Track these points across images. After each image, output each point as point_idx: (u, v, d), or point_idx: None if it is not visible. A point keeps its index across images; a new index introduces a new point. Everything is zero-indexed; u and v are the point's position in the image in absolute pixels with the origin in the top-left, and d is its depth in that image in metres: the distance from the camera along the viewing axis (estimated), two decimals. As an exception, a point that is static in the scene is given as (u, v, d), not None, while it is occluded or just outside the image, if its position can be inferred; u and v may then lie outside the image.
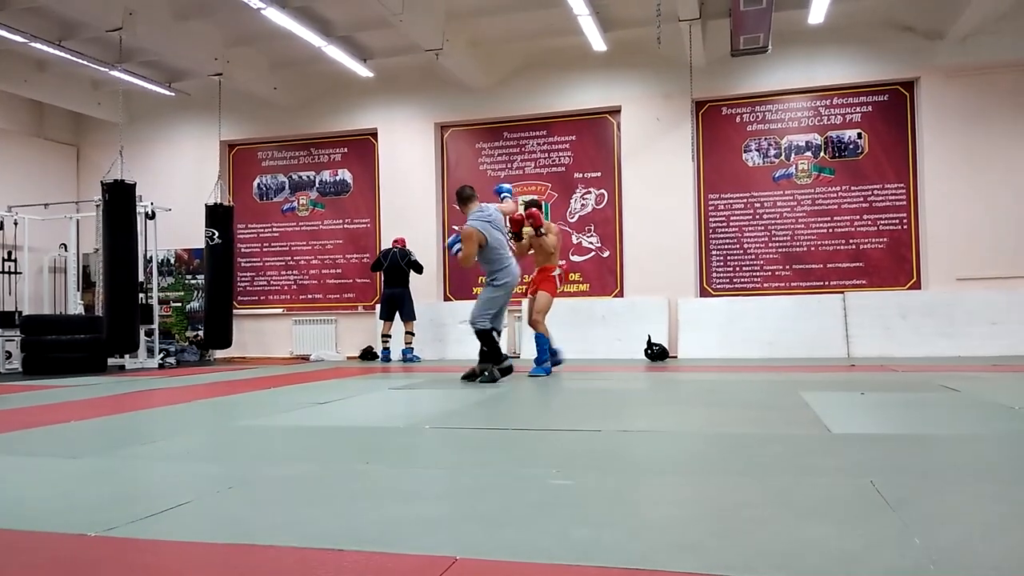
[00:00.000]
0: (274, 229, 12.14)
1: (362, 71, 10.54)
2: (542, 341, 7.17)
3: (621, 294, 10.60)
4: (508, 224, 7.22)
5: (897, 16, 9.45)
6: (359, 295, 11.56)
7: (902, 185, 9.70)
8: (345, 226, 11.83)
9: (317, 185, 11.98)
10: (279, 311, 11.95)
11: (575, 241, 10.84)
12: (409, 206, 11.30)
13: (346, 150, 11.87)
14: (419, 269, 10.34)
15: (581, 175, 10.87)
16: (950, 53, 9.31)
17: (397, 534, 1.89)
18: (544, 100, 10.83)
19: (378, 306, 10.86)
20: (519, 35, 10.14)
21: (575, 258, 10.81)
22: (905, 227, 9.68)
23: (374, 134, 11.63)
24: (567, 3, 8.40)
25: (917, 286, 9.57)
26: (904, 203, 9.69)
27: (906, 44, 9.52)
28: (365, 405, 4.97)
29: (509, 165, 11.15)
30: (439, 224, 11.33)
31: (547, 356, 7.15)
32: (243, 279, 12.13)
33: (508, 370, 6.59)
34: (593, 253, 10.81)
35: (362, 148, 11.78)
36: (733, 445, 3.20)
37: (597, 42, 9.57)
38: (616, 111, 10.68)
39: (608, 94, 10.61)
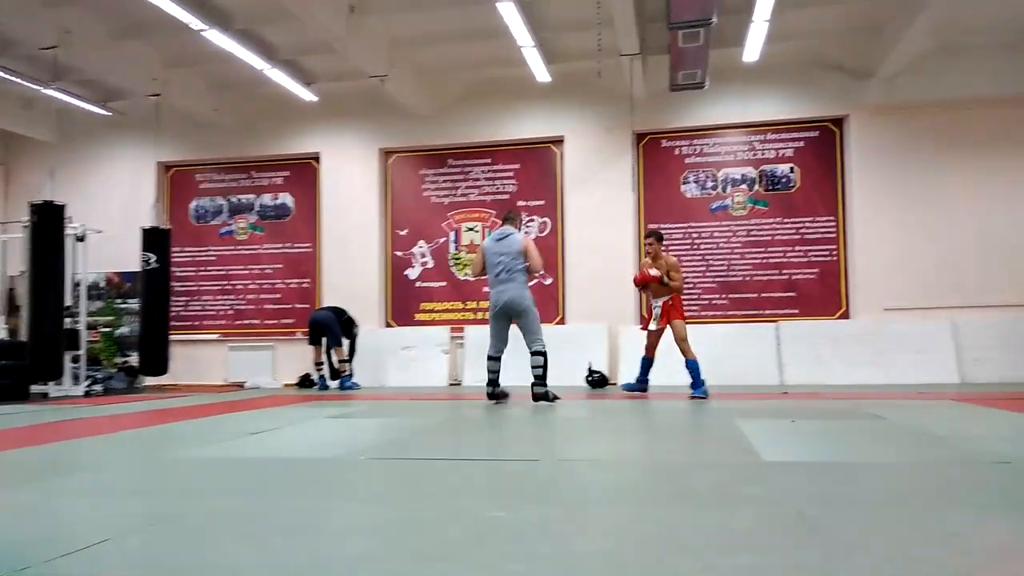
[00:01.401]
0: (211, 252, 11.88)
1: (305, 95, 10.48)
2: (693, 366, 7.19)
3: (563, 321, 10.68)
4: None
5: (828, 56, 9.87)
6: (298, 321, 11.35)
7: (832, 218, 10.07)
8: (285, 251, 11.65)
9: (257, 208, 11.80)
10: (214, 337, 11.67)
11: (518, 268, 10.88)
12: (352, 231, 11.21)
13: (288, 174, 11.73)
14: (350, 331, 10.11)
15: (525, 203, 10.97)
16: (877, 92, 9.75)
17: (327, 572, 1.85)
18: (489, 128, 10.93)
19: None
20: (464, 64, 10.24)
21: (517, 285, 10.84)
22: (835, 258, 10.03)
23: (317, 158, 11.54)
24: (512, 35, 8.54)
25: (846, 316, 9.90)
26: (834, 235, 10.06)
27: (836, 83, 9.95)
28: (300, 435, 4.86)
29: (453, 192, 11.19)
30: (382, 250, 11.26)
31: (700, 379, 7.17)
32: (177, 303, 11.81)
33: (492, 396, 6.73)
34: (536, 280, 10.87)
35: (304, 172, 11.66)
36: (668, 473, 3.24)
37: (541, 73, 9.73)
38: (559, 141, 10.84)
39: (552, 124, 10.77)
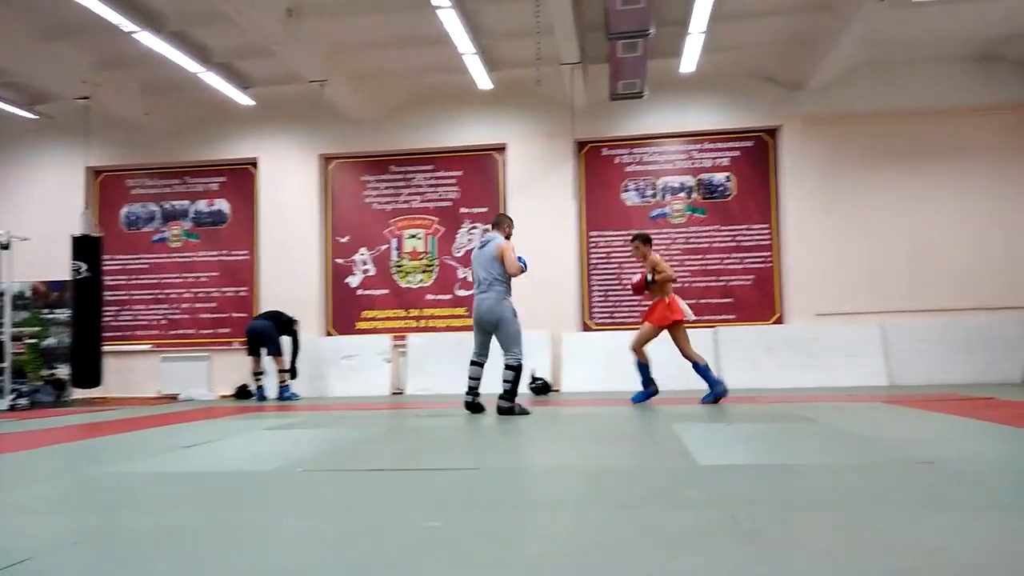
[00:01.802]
0: (143, 260, 11.54)
1: (242, 99, 10.28)
2: (703, 371, 7.03)
3: (506, 328, 10.67)
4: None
5: (761, 68, 10.15)
6: (235, 330, 11.10)
7: (766, 226, 10.35)
8: (221, 258, 11.39)
9: (191, 215, 11.51)
10: (146, 347, 11.32)
11: (460, 276, 10.88)
12: (291, 238, 11.03)
13: (224, 179, 11.48)
14: (290, 331, 9.93)
15: (468, 210, 10.96)
16: (809, 103, 10.07)
17: (257, 587, 1.81)
18: (431, 135, 10.90)
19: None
20: (406, 70, 10.19)
21: (461, 292, 10.85)
22: (769, 265, 10.31)
23: (254, 163, 11.33)
24: (453, 42, 8.54)
25: (781, 321, 10.18)
26: (768, 243, 10.33)
27: (769, 94, 10.24)
28: (236, 447, 4.75)
29: (395, 198, 11.11)
30: (322, 257, 11.11)
31: (713, 381, 7.01)
32: (107, 313, 11.42)
33: (468, 405, 6.51)
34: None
35: (241, 178, 11.43)
36: (605, 479, 3.26)
37: (483, 80, 9.76)
38: (502, 148, 10.87)
39: (494, 131, 10.80)
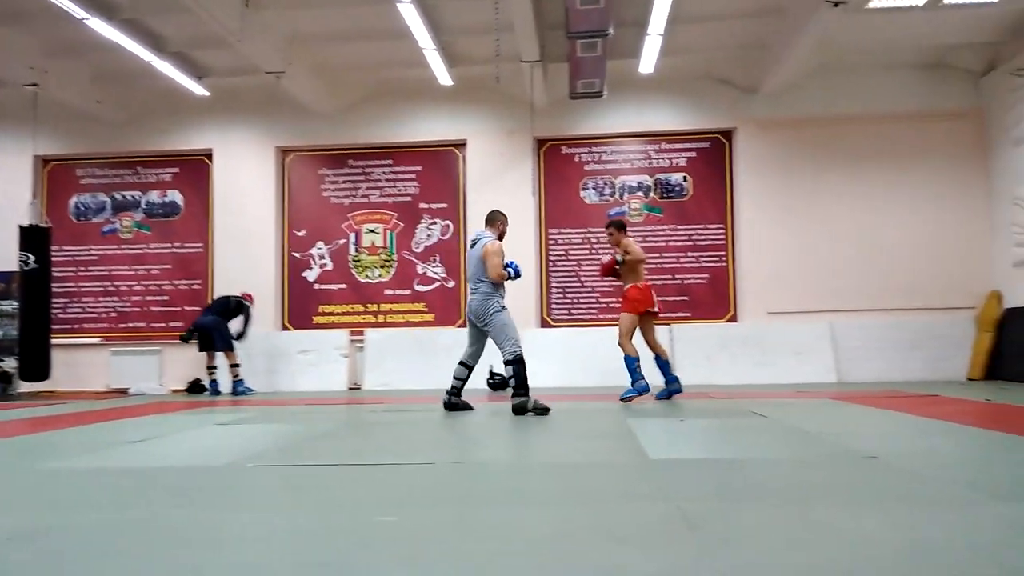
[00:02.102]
0: (92, 252, 11.26)
1: (197, 89, 10.08)
2: (628, 363, 6.82)
3: (465, 324, 10.66)
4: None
5: (718, 70, 10.29)
6: (188, 323, 10.84)
7: (721, 226, 10.51)
8: (174, 250, 11.17)
9: (143, 206, 11.26)
10: (96, 340, 11.05)
11: (420, 271, 10.85)
12: (246, 231, 10.85)
13: (177, 170, 11.25)
14: (243, 311, 9.87)
15: (427, 205, 10.92)
16: (763, 106, 10.25)
17: (203, 583, 1.79)
18: (390, 129, 10.83)
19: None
20: (365, 63, 10.10)
21: (420, 288, 10.82)
22: (724, 264, 10.48)
23: (209, 155, 11.12)
24: (413, 37, 8.49)
25: (734, 319, 10.36)
26: (723, 242, 10.50)
27: (725, 96, 10.39)
28: (185, 443, 4.67)
29: (354, 193, 11.02)
30: (279, 251, 10.96)
31: (637, 376, 6.75)
32: (55, 305, 11.12)
33: (447, 405, 6.28)
34: (438, 283, 10.86)
35: (195, 169, 11.21)
36: (558, 474, 3.30)
37: (443, 76, 9.72)
38: (462, 144, 10.85)
39: (454, 127, 10.78)
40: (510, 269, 6.24)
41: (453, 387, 6.28)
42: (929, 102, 10.09)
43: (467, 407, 6.31)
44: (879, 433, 4.58)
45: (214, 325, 9.60)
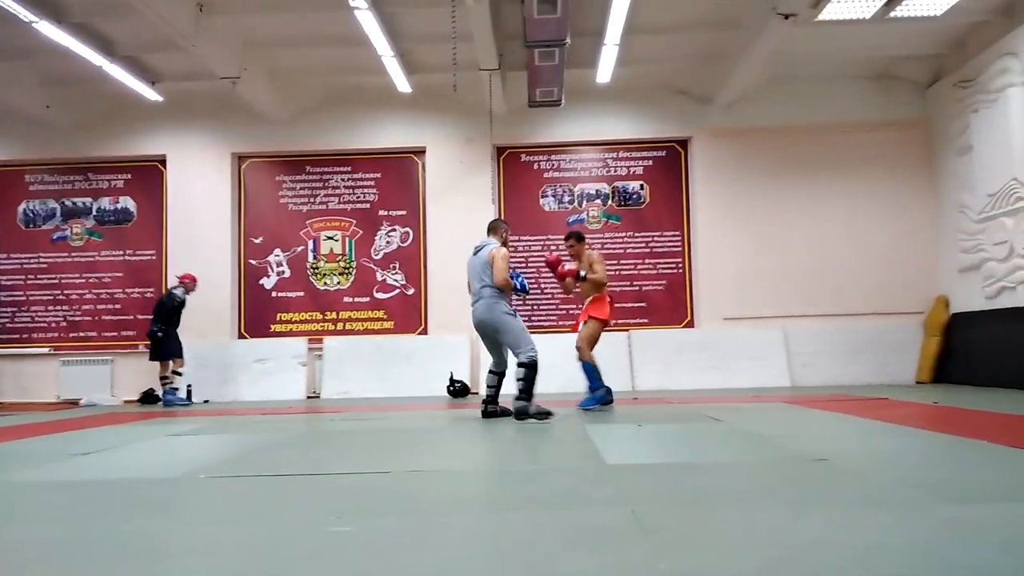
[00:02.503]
0: (42, 260, 10.96)
1: (150, 94, 9.91)
2: (586, 368, 6.74)
3: (425, 331, 10.65)
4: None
5: (673, 81, 10.44)
6: (140, 333, 10.65)
7: (678, 233, 10.66)
8: (126, 258, 10.93)
9: (94, 213, 11.01)
10: (45, 350, 10.75)
11: (379, 278, 10.79)
12: (201, 238, 10.66)
13: (129, 176, 11.03)
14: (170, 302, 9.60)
15: (386, 212, 10.87)
16: (717, 116, 10.43)
17: (149, 597, 1.76)
18: (349, 136, 10.76)
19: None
20: (323, 69, 10.03)
21: (379, 295, 10.76)
22: (680, 271, 10.62)
23: (163, 161, 10.92)
24: (371, 44, 8.46)
25: (691, 325, 10.49)
26: (679, 249, 10.64)
27: (681, 106, 10.55)
28: (135, 454, 4.57)
29: (312, 200, 10.91)
30: (235, 258, 10.80)
31: (596, 385, 6.70)
32: (3, 315, 10.82)
33: (485, 413, 6.21)
34: (398, 291, 10.80)
35: (148, 175, 11.00)
36: (515, 480, 3.31)
37: (402, 83, 9.70)
38: (421, 151, 10.83)
39: (413, 134, 10.75)
40: (516, 282, 6.20)
41: (488, 395, 6.27)
42: (877, 112, 10.38)
43: (506, 413, 6.17)
44: (830, 436, 4.68)
45: (150, 335, 9.53)
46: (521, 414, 5.82)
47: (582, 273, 6.85)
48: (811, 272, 10.33)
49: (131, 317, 10.80)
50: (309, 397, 10.22)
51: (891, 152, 10.44)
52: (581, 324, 6.96)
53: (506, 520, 2.52)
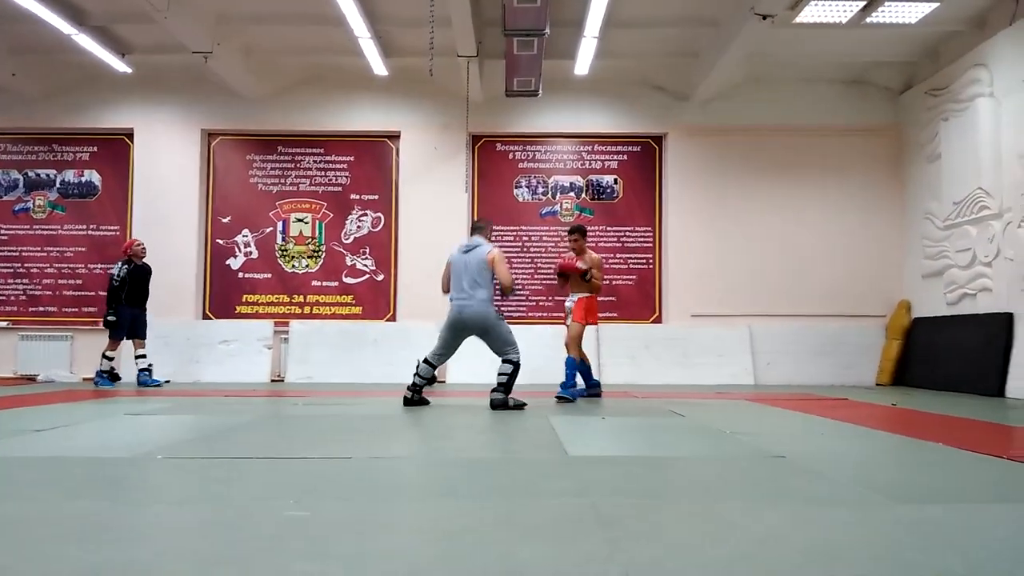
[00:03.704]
0: (2, 232, 10.71)
1: (119, 66, 9.69)
2: (569, 363, 6.99)
3: (394, 318, 10.59)
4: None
5: (651, 76, 10.47)
6: (102, 309, 10.43)
7: (649, 229, 10.71)
8: (90, 232, 10.71)
9: (58, 185, 10.76)
10: (3, 324, 10.52)
11: (349, 263, 10.69)
12: (167, 216, 10.47)
13: (95, 149, 10.79)
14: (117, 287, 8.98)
15: (358, 196, 10.77)
16: (693, 114, 10.49)
17: (96, 578, 1.72)
18: (322, 117, 10.63)
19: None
20: (298, 48, 9.89)
21: (349, 280, 10.67)
22: (651, 266, 10.68)
23: (130, 135, 10.70)
24: (348, 24, 8.35)
25: (659, 320, 10.57)
26: (651, 245, 10.70)
27: (657, 102, 10.58)
28: (92, 432, 4.48)
29: (283, 180, 10.77)
30: (201, 236, 10.63)
31: (572, 381, 6.95)
32: (-42, 287, 10.56)
33: (409, 401, 6.29)
34: (367, 276, 10.72)
35: (115, 148, 10.78)
36: (478, 470, 3.30)
37: (378, 66, 9.60)
38: (395, 136, 10.74)
39: (388, 118, 10.65)
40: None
41: (417, 385, 6.29)
42: (850, 117, 10.51)
43: (423, 402, 6.36)
44: (789, 434, 4.74)
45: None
46: (500, 405, 5.98)
47: (587, 276, 7.07)
48: (778, 272, 10.45)
49: (93, 293, 10.59)
50: (273, 381, 10.12)
51: (862, 157, 10.58)
52: (569, 321, 7.26)
53: (465, 509, 2.51)
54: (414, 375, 6.34)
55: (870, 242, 10.51)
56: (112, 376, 8.93)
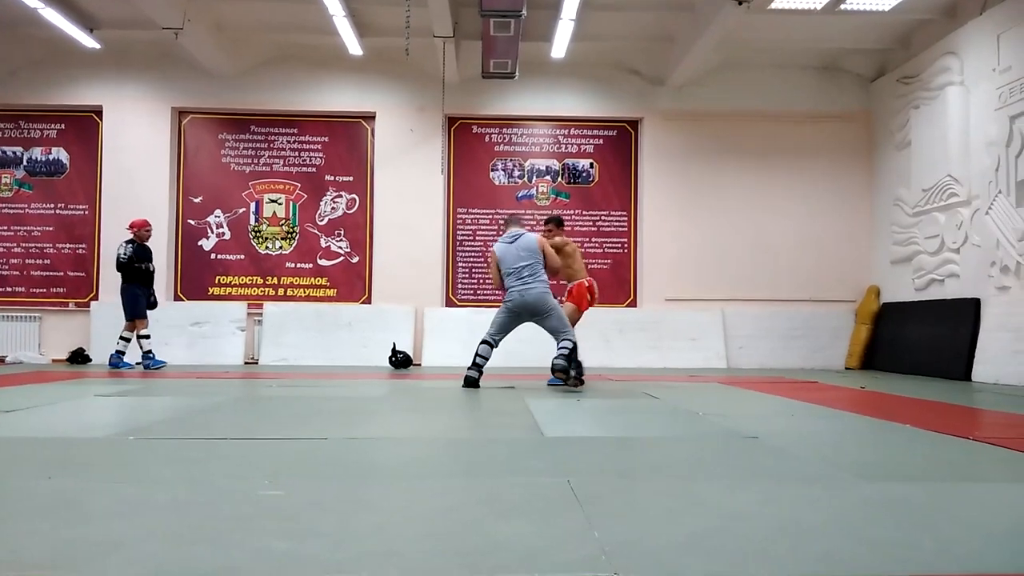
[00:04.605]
0: (-34, 210, 10.46)
1: (87, 41, 9.48)
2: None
3: (369, 301, 10.54)
4: None
5: (627, 61, 10.47)
6: (71, 290, 10.30)
7: (625, 213, 10.75)
8: (58, 212, 10.51)
9: (25, 163, 10.53)
10: (-33, 305, 10.30)
11: (324, 245, 10.61)
12: (136, 195, 10.28)
13: (63, 126, 10.56)
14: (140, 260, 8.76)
15: (333, 178, 10.68)
16: (669, 98, 10.51)
17: (70, 559, 1.70)
18: (296, 97, 10.50)
19: (94, 303, 9.88)
20: (271, 25, 9.74)
21: (323, 262, 10.59)
22: (626, 251, 10.73)
23: (99, 112, 10.48)
24: (322, 1, 8.24)
25: (634, 304, 10.64)
26: (626, 229, 10.74)
27: (633, 86, 10.59)
28: (61, 413, 4.42)
29: (255, 160, 10.64)
30: (172, 216, 10.47)
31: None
32: (-80, 266, 10.31)
33: (469, 381, 6.31)
34: (342, 258, 10.65)
35: (83, 126, 10.56)
36: (454, 450, 3.31)
37: (353, 45, 9.50)
38: (371, 117, 10.64)
39: (363, 99, 10.55)
40: None
41: (477, 364, 6.33)
42: (821, 103, 10.60)
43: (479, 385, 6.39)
44: (761, 415, 4.81)
45: (121, 290, 8.69)
46: (560, 370, 6.09)
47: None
48: (751, 257, 10.56)
49: (61, 273, 10.42)
50: (247, 363, 10.04)
51: (834, 143, 10.70)
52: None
53: (441, 487, 2.52)
54: (475, 355, 6.37)
55: (840, 228, 10.65)
56: (145, 358, 8.63)
